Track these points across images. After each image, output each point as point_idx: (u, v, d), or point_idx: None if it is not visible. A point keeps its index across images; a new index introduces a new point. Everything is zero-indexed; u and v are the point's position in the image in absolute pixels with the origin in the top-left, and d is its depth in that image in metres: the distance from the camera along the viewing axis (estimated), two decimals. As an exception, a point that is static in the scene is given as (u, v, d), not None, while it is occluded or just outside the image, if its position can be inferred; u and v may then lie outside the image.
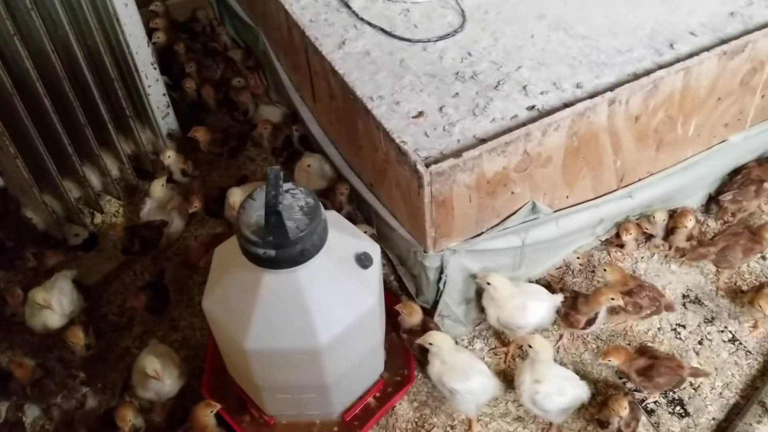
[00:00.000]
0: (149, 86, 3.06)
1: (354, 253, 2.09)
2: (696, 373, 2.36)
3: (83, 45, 2.73)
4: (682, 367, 2.29)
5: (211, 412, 2.22)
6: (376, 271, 2.13)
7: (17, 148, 2.65)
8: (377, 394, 2.36)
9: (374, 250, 2.17)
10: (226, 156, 3.32)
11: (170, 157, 3.05)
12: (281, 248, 1.87)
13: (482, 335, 2.56)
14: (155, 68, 3.05)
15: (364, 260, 2.08)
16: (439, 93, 2.39)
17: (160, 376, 2.30)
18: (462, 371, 2.22)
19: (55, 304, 2.50)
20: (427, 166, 2.10)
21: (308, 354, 2.02)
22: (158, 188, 3.02)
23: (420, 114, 2.33)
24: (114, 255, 2.92)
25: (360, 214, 2.82)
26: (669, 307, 2.48)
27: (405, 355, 2.45)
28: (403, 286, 2.63)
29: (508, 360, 2.47)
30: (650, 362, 2.26)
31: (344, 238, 2.11)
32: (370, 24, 2.70)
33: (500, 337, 2.54)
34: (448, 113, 2.31)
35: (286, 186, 1.94)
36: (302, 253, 1.91)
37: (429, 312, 2.46)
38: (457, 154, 2.12)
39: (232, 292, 2.02)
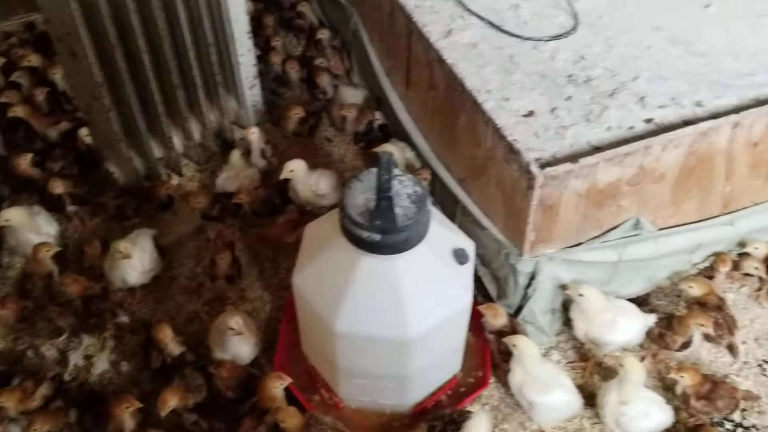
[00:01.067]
0: (242, 55, 3.02)
1: (451, 248, 2.04)
2: (748, 396, 2.32)
3: (186, 5, 2.70)
4: (737, 390, 2.28)
5: (281, 385, 2.17)
6: (470, 269, 2.08)
7: (111, 100, 2.64)
8: (449, 392, 2.32)
9: (470, 246, 2.12)
10: (306, 134, 3.28)
11: (254, 133, 3.01)
12: (387, 234, 1.84)
13: (560, 347, 2.48)
14: (250, 38, 3.01)
15: (461, 256, 2.03)
16: (551, 94, 2.32)
17: (241, 329, 2.28)
18: (544, 383, 2.17)
19: (135, 258, 2.49)
20: (541, 168, 2.03)
21: (395, 344, 1.98)
22: (237, 158, 3.01)
23: (530, 113, 2.26)
24: (189, 219, 2.90)
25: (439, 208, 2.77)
26: (731, 347, 2.40)
27: (481, 357, 2.39)
28: (481, 287, 2.57)
29: (586, 376, 2.40)
30: (710, 386, 2.23)
31: (442, 231, 2.06)
32: (478, 16, 2.64)
33: (579, 351, 2.47)
34: (560, 116, 2.24)
35: (395, 172, 1.90)
36: (406, 241, 1.88)
37: (511, 317, 2.39)
38: (572, 159, 2.05)
39: (326, 271, 1.98)
